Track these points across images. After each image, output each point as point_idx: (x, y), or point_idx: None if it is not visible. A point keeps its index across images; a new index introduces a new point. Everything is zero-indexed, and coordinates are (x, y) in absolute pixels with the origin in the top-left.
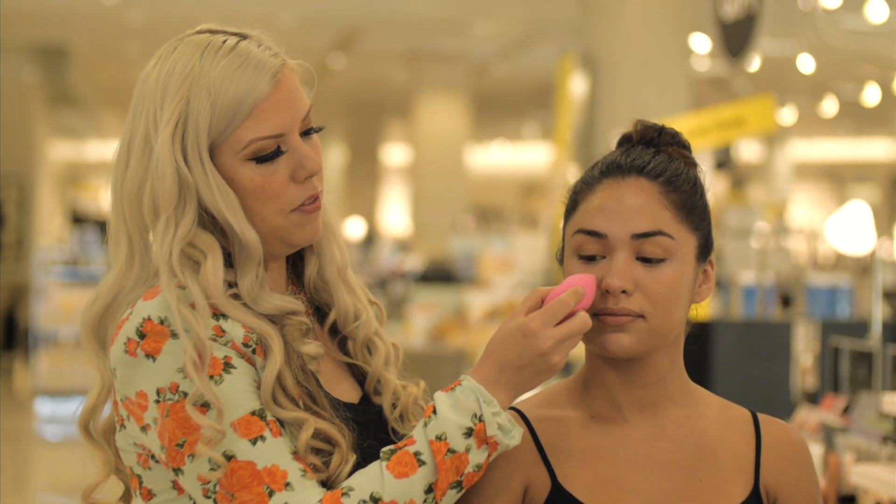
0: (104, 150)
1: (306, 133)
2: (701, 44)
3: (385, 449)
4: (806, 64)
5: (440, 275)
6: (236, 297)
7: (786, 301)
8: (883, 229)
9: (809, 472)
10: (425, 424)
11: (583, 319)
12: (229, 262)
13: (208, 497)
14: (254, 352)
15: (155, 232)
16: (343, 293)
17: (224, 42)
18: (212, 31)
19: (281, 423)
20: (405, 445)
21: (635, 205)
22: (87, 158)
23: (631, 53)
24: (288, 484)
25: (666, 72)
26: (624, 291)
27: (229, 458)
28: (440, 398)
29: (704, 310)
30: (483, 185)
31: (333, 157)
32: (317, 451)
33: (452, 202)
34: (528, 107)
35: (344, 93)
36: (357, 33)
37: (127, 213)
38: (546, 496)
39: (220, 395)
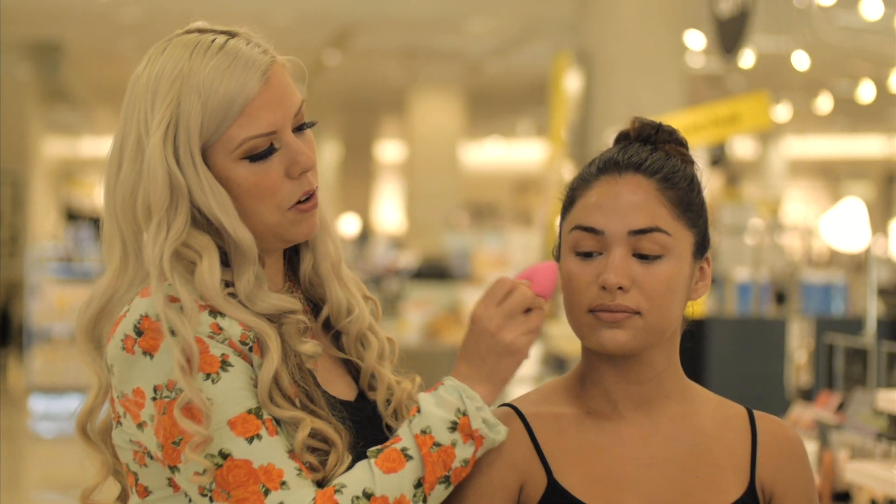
0: (98, 146)
1: (299, 129)
2: (695, 41)
3: (372, 448)
4: (801, 61)
5: (434, 272)
6: (233, 296)
7: (780, 298)
8: (877, 226)
9: (805, 469)
10: (410, 422)
11: (521, 293)
12: (227, 261)
13: (204, 495)
14: (250, 349)
15: (147, 234)
16: (336, 288)
17: (213, 41)
18: (200, 31)
19: (278, 421)
20: (392, 444)
21: (632, 201)
22: (82, 155)
23: (625, 51)
24: (283, 483)
25: (660, 69)
26: (620, 288)
27: (225, 456)
28: (424, 398)
29: (699, 307)
30: (477, 182)
31: (328, 154)
32: (313, 451)
33: (447, 199)
34: (523, 104)
35: (338, 89)
36: (352, 30)
37: (120, 216)
38: (542, 493)
39: (216, 393)
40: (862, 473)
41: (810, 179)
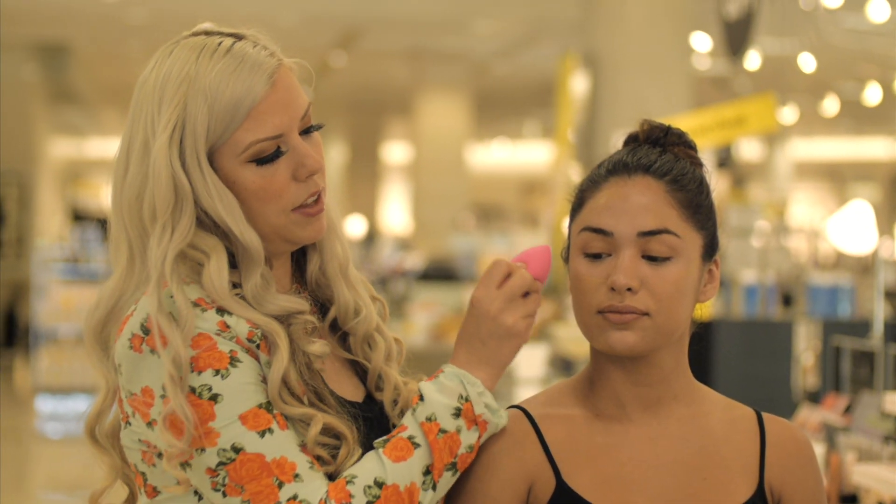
0: (105, 147)
1: (307, 131)
2: (702, 43)
3: (378, 440)
4: (807, 63)
5: (441, 273)
6: (241, 297)
7: (787, 300)
8: (884, 228)
9: (813, 471)
10: (414, 411)
11: (521, 276)
12: (234, 263)
13: (217, 490)
14: (258, 347)
15: (152, 237)
16: (344, 289)
17: (220, 44)
18: (207, 33)
19: (287, 417)
20: (398, 433)
21: (641, 203)
22: (88, 156)
23: (632, 52)
24: (297, 475)
25: (667, 71)
26: (629, 289)
27: (238, 450)
28: (425, 386)
29: (706, 309)
30: (484, 184)
31: (334, 156)
32: (323, 445)
33: (453, 200)
34: (529, 105)
35: (345, 91)
36: (358, 32)
37: (126, 219)
38: (551, 494)
39: (226, 388)
40: (869, 476)
41: (816, 182)
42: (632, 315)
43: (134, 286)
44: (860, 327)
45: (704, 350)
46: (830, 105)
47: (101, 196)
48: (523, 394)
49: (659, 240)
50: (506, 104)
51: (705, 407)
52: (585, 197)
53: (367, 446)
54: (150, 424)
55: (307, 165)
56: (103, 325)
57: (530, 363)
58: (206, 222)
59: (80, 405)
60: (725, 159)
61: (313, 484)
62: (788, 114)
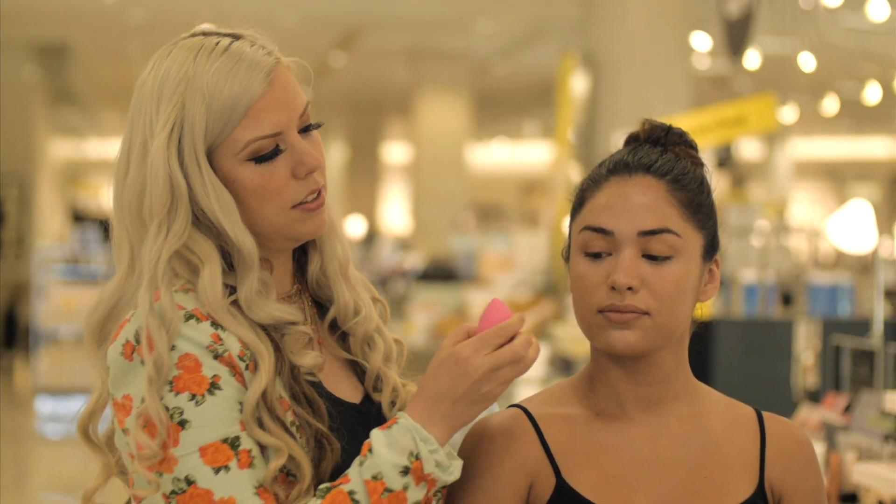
0: (105, 148)
1: (306, 130)
2: (702, 42)
3: (322, 486)
4: (807, 62)
5: (441, 273)
6: (236, 303)
7: (787, 300)
8: (883, 228)
9: (814, 470)
10: (361, 463)
11: (512, 350)
12: (232, 265)
13: None
14: (247, 367)
15: (147, 237)
16: (343, 289)
17: (217, 44)
18: (205, 34)
19: (262, 447)
20: (341, 483)
21: (642, 202)
22: (88, 157)
23: (632, 52)
24: None
25: (667, 70)
26: (630, 288)
27: (190, 482)
28: (376, 436)
29: (706, 308)
30: (484, 184)
31: (334, 155)
32: (283, 481)
33: (453, 200)
34: (529, 105)
35: (345, 91)
36: (358, 31)
37: (128, 221)
38: (551, 493)
39: (196, 416)
40: (869, 475)
41: (816, 181)
42: (632, 314)
43: (134, 287)
44: (860, 326)
45: (705, 349)
46: (830, 104)
47: (101, 197)
48: (523, 393)
49: (659, 239)
50: (506, 104)
51: (706, 406)
52: (586, 196)
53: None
54: (124, 431)
55: (306, 163)
56: (102, 325)
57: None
58: (203, 223)
59: (79, 406)
60: (725, 159)
61: None
62: (788, 113)
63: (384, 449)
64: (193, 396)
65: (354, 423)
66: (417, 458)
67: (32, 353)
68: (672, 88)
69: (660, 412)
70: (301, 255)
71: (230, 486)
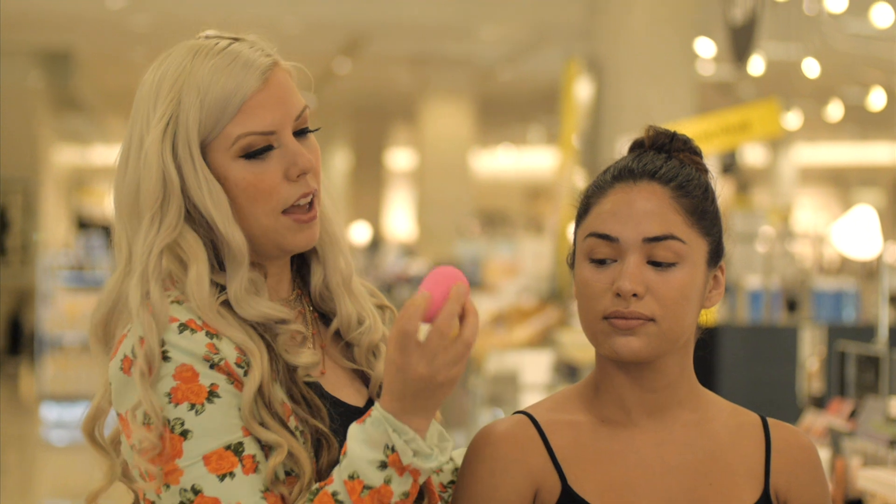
0: (109, 154)
1: (303, 133)
2: (706, 48)
3: (313, 488)
4: (811, 68)
5: None
6: (226, 302)
7: (791, 305)
8: (888, 234)
9: (819, 476)
10: (340, 462)
11: (438, 331)
12: (223, 266)
13: None
14: (245, 373)
15: (139, 230)
16: (346, 301)
17: (216, 44)
18: (207, 37)
19: (263, 446)
20: (325, 485)
21: (647, 209)
22: (93, 163)
23: (636, 58)
24: None
25: (671, 76)
26: (635, 295)
27: (197, 491)
28: (352, 432)
29: (711, 314)
30: (488, 190)
31: (338, 162)
32: (285, 480)
33: (458, 206)
34: (534, 111)
35: (349, 97)
36: (363, 38)
37: (126, 218)
38: (556, 500)
39: (196, 425)
40: (874, 480)
41: (821, 187)
42: (637, 321)
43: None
44: (865, 332)
45: (709, 355)
46: (834, 110)
47: (106, 203)
48: (528, 399)
49: (664, 246)
50: (510, 110)
51: (711, 412)
52: (591, 203)
53: None
54: (132, 447)
55: (299, 164)
56: (105, 323)
57: (535, 369)
58: (196, 219)
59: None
60: (730, 165)
61: None
62: (793, 119)
63: (358, 446)
64: (193, 406)
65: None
66: (393, 449)
67: (37, 360)
68: (676, 94)
69: (665, 418)
70: (302, 264)
71: (237, 492)
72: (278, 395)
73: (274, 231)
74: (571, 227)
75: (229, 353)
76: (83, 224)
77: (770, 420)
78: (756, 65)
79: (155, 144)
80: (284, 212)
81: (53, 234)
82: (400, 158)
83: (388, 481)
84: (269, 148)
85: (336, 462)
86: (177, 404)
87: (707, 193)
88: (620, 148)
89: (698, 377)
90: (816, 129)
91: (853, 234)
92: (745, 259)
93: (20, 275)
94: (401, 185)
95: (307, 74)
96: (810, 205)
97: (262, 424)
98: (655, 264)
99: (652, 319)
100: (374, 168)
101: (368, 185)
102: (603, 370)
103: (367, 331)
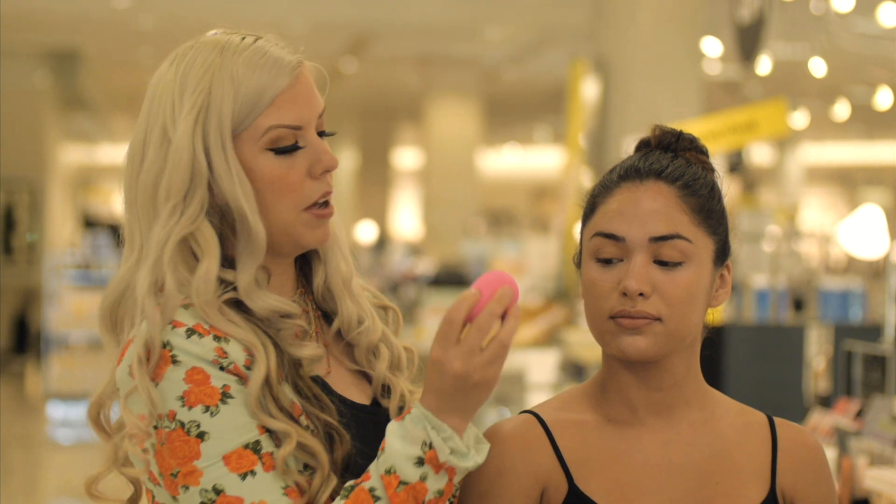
0: (116, 154)
1: (320, 135)
2: (713, 47)
3: (347, 484)
4: (818, 67)
5: (452, 278)
6: (230, 299)
7: (798, 305)
8: (895, 232)
9: (826, 476)
10: (378, 458)
11: (477, 328)
12: (230, 263)
13: None
14: None
15: (159, 218)
16: (347, 302)
17: (242, 40)
18: (226, 34)
19: (269, 432)
20: (362, 482)
21: (653, 208)
22: (99, 162)
23: (642, 57)
24: None
25: (678, 76)
26: (641, 294)
27: (219, 491)
28: (391, 428)
29: (717, 314)
30: (495, 189)
31: (345, 162)
32: (306, 467)
33: (464, 206)
34: (540, 111)
35: (356, 97)
36: (369, 38)
37: (140, 207)
38: (563, 499)
39: (213, 426)
40: (881, 480)
41: (827, 186)
42: (644, 320)
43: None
44: (871, 331)
45: (716, 355)
46: (841, 109)
47: (113, 202)
48: (535, 399)
49: (671, 245)
50: (516, 110)
51: (717, 412)
52: (597, 202)
53: (374, 448)
54: (144, 451)
55: (323, 161)
56: (113, 311)
57: (542, 368)
58: (213, 212)
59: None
60: (737, 164)
61: None
62: (799, 118)
63: (397, 441)
64: (208, 408)
65: (366, 422)
66: (431, 446)
67: (44, 359)
68: (683, 94)
69: (671, 418)
70: (304, 265)
71: (259, 489)
72: (287, 395)
73: (293, 226)
74: (577, 227)
75: (238, 355)
76: (90, 223)
77: (777, 419)
78: (763, 64)
79: (186, 134)
80: (306, 208)
81: (60, 234)
82: (406, 158)
83: (423, 478)
84: (295, 145)
85: (349, 456)
86: (191, 407)
87: (713, 192)
88: (627, 147)
89: (705, 376)
90: (823, 128)
91: (860, 233)
92: (751, 258)
93: (26, 274)
94: (407, 184)
95: (324, 75)
96: (817, 204)
97: (271, 416)
98: (662, 263)
99: (658, 319)
100: (381, 167)
101: (375, 184)
102: (609, 369)
103: (366, 331)
